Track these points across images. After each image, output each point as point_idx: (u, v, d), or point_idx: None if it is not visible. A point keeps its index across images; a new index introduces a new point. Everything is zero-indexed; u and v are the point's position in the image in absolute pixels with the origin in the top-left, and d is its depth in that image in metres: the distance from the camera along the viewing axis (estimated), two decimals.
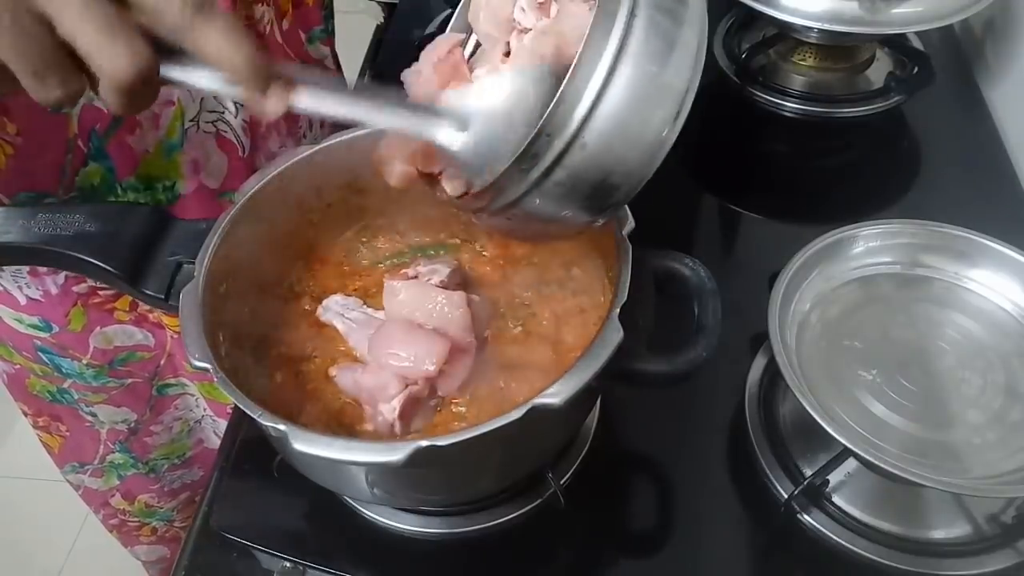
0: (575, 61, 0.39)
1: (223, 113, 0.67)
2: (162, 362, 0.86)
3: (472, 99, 0.46)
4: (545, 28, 0.47)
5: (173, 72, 0.38)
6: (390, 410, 0.51)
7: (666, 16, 0.41)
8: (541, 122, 0.39)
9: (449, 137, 0.44)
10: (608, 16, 0.39)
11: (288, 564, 0.59)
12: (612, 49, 0.39)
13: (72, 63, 0.35)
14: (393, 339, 0.53)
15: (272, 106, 0.39)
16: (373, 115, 0.43)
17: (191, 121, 0.66)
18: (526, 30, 0.48)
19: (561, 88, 0.39)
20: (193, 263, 0.53)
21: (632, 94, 0.40)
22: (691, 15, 0.42)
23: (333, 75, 0.86)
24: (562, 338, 0.57)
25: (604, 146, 0.40)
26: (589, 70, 0.39)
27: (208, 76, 0.39)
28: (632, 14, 0.39)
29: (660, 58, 0.41)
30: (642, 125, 0.41)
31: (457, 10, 0.53)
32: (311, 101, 0.41)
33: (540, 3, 0.48)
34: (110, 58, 0.34)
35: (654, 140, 0.42)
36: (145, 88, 0.36)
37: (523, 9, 0.48)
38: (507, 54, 0.49)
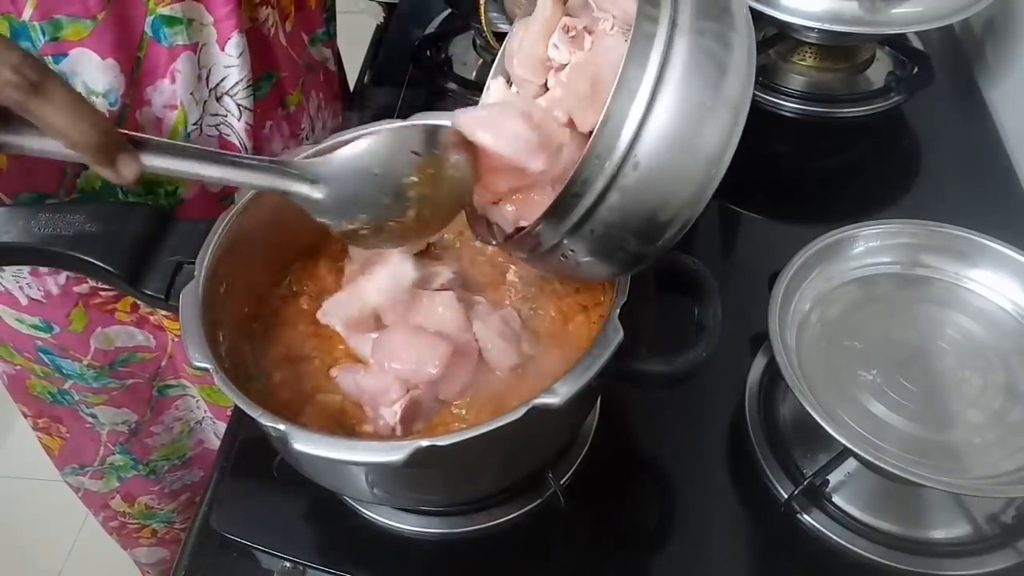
0: (618, 78, 0.38)
1: (226, 116, 0.67)
2: (163, 363, 0.86)
3: (323, 167, 0.46)
4: (580, 62, 0.47)
5: (14, 139, 0.39)
6: (391, 414, 0.51)
7: (711, 27, 0.40)
8: (589, 145, 0.38)
9: (306, 191, 0.46)
10: (646, 33, 0.38)
11: (288, 564, 0.59)
12: (656, 63, 0.38)
13: None
14: (395, 342, 0.53)
15: (124, 173, 0.40)
16: (229, 173, 0.44)
17: (194, 125, 0.66)
18: (563, 67, 0.48)
19: (606, 106, 0.38)
20: (193, 263, 0.53)
21: (683, 104, 0.39)
22: (737, 27, 0.42)
23: (334, 78, 0.86)
24: (564, 338, 0.57)
25: (657, 165, 0.39)
26: (633, 86, 0.38)
27: (55, 144, 0.40)
28: (672, 28, 0.38)
29: (709, 65, 0.40)
30: (697, 136, 0.40)
31: (496, 58, 0.53)
32: (164, 162, 0.42)
33: (572, 36, 0.48)
34: None
35: (708, 159, 0.40)
36: None
37: (556, 46, 0.48)
38: (543, 91, 0.50)
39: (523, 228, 0.46)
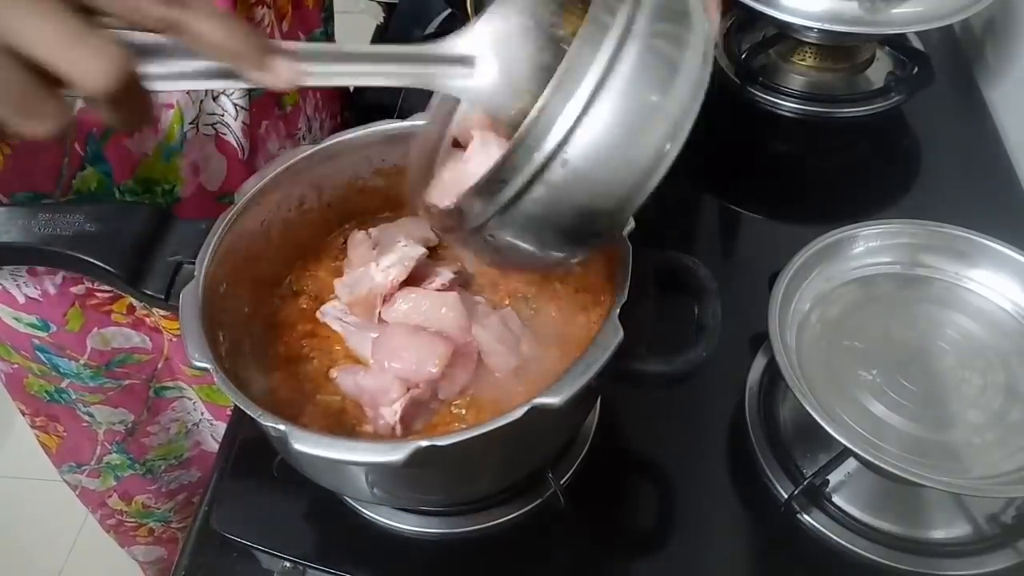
0: (561, 68, 0.37)
1: (223, 115, 0.67)
2: (159, 365, 0.86)
3: (474, 39, 0.43)
4: None
5: (160, 68, 0.36)
6: (391, 413, 0.51)
7: (666, 35, 0.38)
8: (520, 131, 0.37)
9: (461, 81, 0.43)
10: (600, 27, 0.37)
11: (288, 564, 0.59)
12: (603, 61, 0.37)
13: (52, 88, 0.33)
14: (396, 342, 0.53)
15: (284, 76, 0.37)
16: (379, 75, 0.41)
17: (190, 124, 0.65)
18: None
19: (544, 96, 0.37)
20: (193, 263, 0.53)
21: (623, 111, 0.37)
22: (694, 38, 0.40)
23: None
24: (564, 338, 0.57)
25: (588, 167, 0.38)
26: (575, 81, 0.37)
27: (202, 67, 0.36)
28: (629, 24, 0.37)
29: (655, 77, 0.38)
30: (632, 146, 0.38)
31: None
32: (320, 68, 0.39)
33: None
34: (82, 70, 0.32)
35: (645, 164, 0.39)
36: (129, 96, 0.34)
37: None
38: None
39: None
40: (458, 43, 0.43)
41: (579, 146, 0.37)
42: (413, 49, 0.42)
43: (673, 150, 0.39)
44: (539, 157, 0.37)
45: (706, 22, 0.41)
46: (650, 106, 0.38)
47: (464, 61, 0.42)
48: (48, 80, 0.33)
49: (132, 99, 0.34)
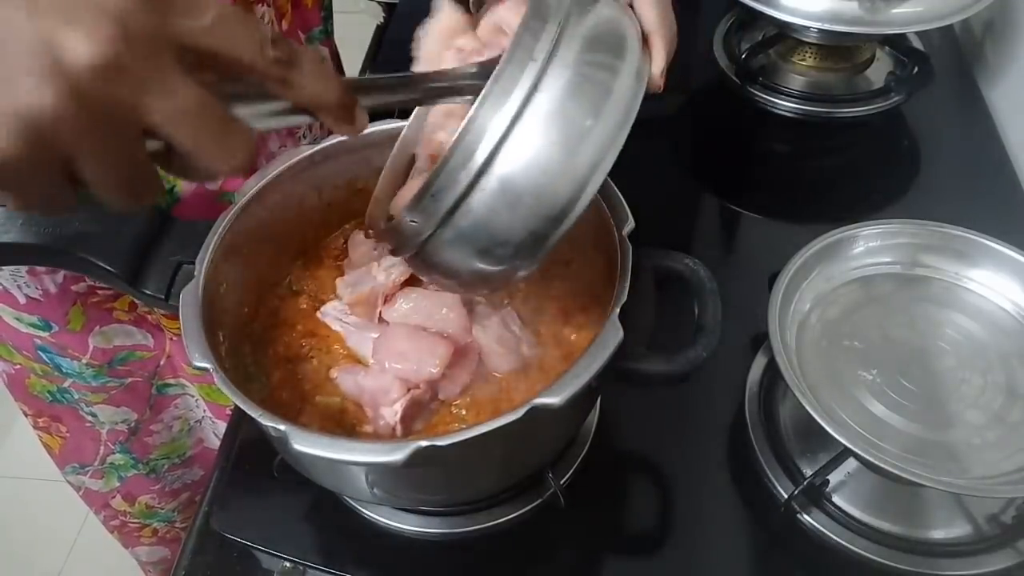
0: (489, 84, 0.37)
1: None
2: (161, 362, 0.86)
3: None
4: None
5: (267, 123, 0.36)
6: (392, 414, 0.51)
7: (596, 61, 0.39)
8: (444, 155, 0.38)
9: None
10: (526, 48, 0.38)
11: (288, 564, 0.59)
12: (527, 83, 0.37)
13: (155, 167, 0.33)
14: (396, 342, 0.53)
15: (361, 124, 0.38)
16: (419, 100, 0.44)
17: None
18: None
19: (470, 112, 0.37)
20: (193, 263, 0.53)
21: (546, 135, 0.38)
22: (625, 66, 0.40)
23: None
24: (564, 337, 0.57)
25: (519, 176, 0.38)
26: (500, 100, 0.37)
27: (279, 107, 0.36)
28: (555, 46, 0.38)
29: (583, 101, 0.39)
30: (559, 169, 0.39)
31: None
32: (375, 100, 0.40)
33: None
34: (224, 159, 0.32)
35: (576, 175, 0.40)
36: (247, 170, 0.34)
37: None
38: None
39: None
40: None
41: (508, 158, 0.38)
42: (454, 71, 0.45)
43: (603, 166, 0.40)
44: (471, 168, 0.38)
45: (639, 54, 0.42)
46: (581, 125, 0.39)
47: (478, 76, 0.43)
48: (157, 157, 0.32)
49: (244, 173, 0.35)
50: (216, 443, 0.97)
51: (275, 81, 0.34)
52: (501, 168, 0.38)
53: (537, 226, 0.40)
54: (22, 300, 0.73)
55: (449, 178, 0.39)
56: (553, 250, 0.42)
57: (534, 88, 0.38)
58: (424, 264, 0.44)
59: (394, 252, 0.45)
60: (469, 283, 0.45)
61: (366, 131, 0.57)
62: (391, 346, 0.53)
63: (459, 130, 0.38)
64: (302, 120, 0.37)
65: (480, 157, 0.38)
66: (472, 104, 0.38)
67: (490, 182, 0.39)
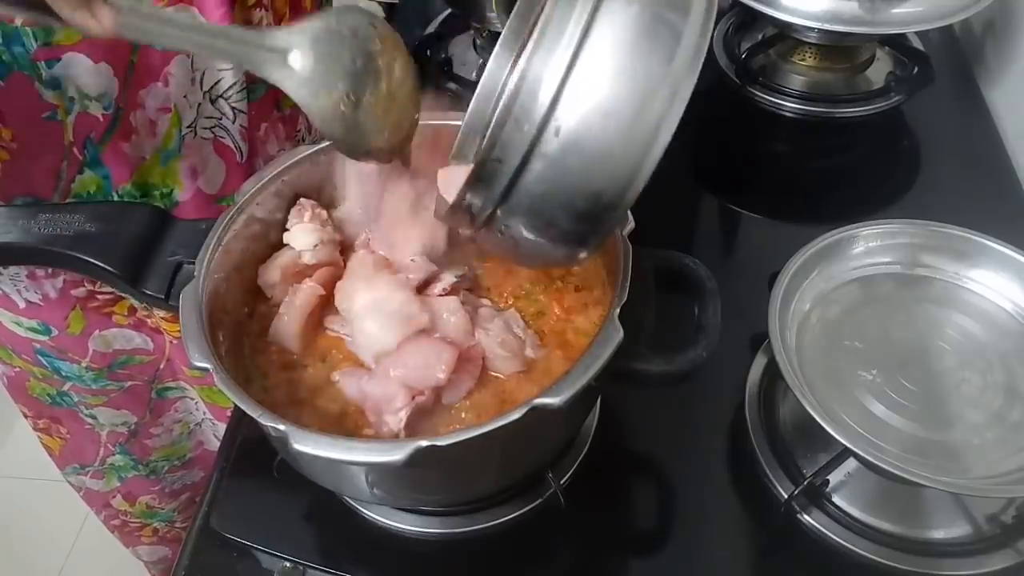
0: (540, 25, 0.34)
1: (220, 119, 0.67)
2: (161, 366, 0.86)
3: (292, 34, 0.44)
4: None
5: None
6: (396, 421, 0.50)
7: None
8: (503, 104, 0.35)
9: (280, 61, 0.43)
10: None
11: (288, 564, 0.59)
12: (583, 19, 0.34)
13: None
14: (400, 348, 0.53)
15: (101, 21, 0.37)
16: (197, 45, 0.42)
17: (188, 127, 0.65)
18: None
19: (522, 62, 0.35)
20: (193, 263, 0.53)
21: (610, 72, 0.35)
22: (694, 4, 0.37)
23: None
24: (567, 337, 0.57)
25: (583, 134, 0.35)
26: (554, 44, 0.34)
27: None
28: None
29: (642, 32, 0.35)
30: (626, 112, 0.36)
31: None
32: (138, 19, 0.38)
33: None
34: None
35: (643, 132, 0.36)
36: None
37: None
38: None
39: None
40: (278, 35, 0.43)
41: (569, 110, 0.35)
42: (236, 31, 0.43)
43: (678, 108, 0.37)
44: (529, 128, 0.35)
45: None
46: (645, 60, 0.36)
47: (279, 51, 0.43)
48: None
49: None
50: (216, 445, 0.97)
51: None
52: (564, 121, 0.35)
53: (605, 189, 0.37)
54: (22, 304, 0.73)
55: (506, 143, 0.36)
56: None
57: (588, 27, 0.34)
58: (494, 241, 0.42)
59: (468, 228, 0.43)
60: (537, 257, 0.43)
61: None
62: (396, 353, 0.53)
63: (510, 87, 0.35)
64: (36, 19, 0.37)
65: (539, 112, 0.35)
66: (522, 51, 0.35)
67: (550, 143, 0.36)
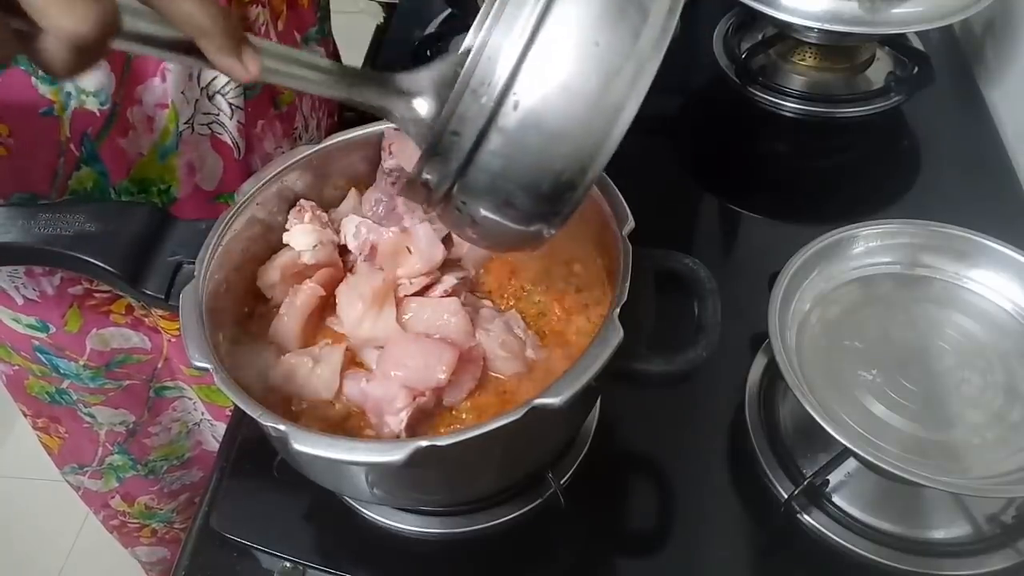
0: (498, 3, 0.34)
1: (218, 115, 0.67)
2: (159, 365, 0.86)
3: (415, 78, 0.42)
4: None
5: (137, 26, 0.33)
6: (397, 422, 0.50)
7: None
8: (462, 74, 0.35)
9: (407, 108, 0.41)
10: None
11: (288, 564, 0.59)
12: None
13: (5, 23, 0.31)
14: (401, 349, 0.53)
15: (250, 66, 0.36)
16: (332, 88, 0.40)
17: (185, 123, 0.65)
18: None
19: (480, 35, 0.34)
20: (193, 263, 0.53)
21: (573, 45, 0.34)
22: None
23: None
24: (567, 337, 0.57)
25: (542, 108, 0.35)
26: (515, 14, 0.34)
27: (170, 37, 0.34)
28: None
29: (610, 10, 0.35)
30: (587, 87, 0.35)
31: None
32: (277, 63, 0.37)
33: None
34: (72, 16, 0.30)
35: (606, 108, 0.36)
36: (101, 47, 0.32)
37: None
38: None
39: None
40: (404, 79, 0.42)
41: (528, 84, 0.34)
42: (369, 73, 0.42)
43: (637, 93, 0.36)
44: (487, 101, 0.35)
45: None
46: (605, 38, 0.35)
47: (407, 94, 0.41)
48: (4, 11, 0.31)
49: (99, 51, 0.32)
50: (215, 446, 0.97)
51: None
52: (523, 96, 0.35)
53: (565, 168, 0.37)
54: (20, 301, 0.73)
55: (463, 116, 0.35)
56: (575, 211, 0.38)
57: (551, 0, 0.34)
58: (451, 218, 0.41)
59: (426, 203, 0.42)
60: (496, 236, 0.42)
61: (366, 131, 0.58)
62: (396, 354, 0.53)
63: (468, 58, 0.34)
64: (184, 61, 0.35)
65: (497, 84, 0.34)
66: (481, 24, 0.34)
67: (509, 117, 0.35)
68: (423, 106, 0.40)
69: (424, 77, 0.41)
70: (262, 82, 0.38)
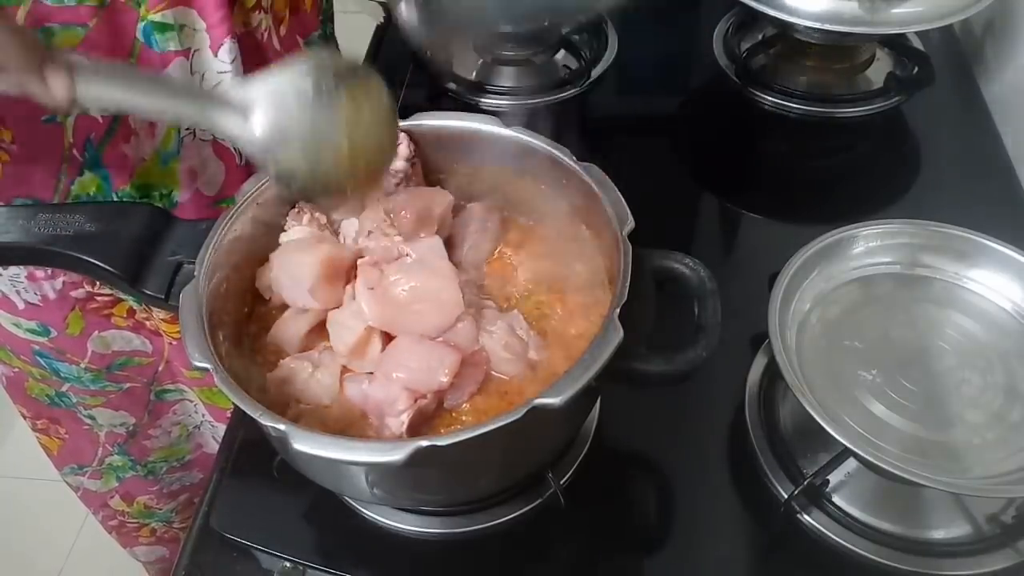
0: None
1: None
2: (160, 368, 0.86)
3: (253, 90, 0.45)
4: None
5: None
6: (398, 424, 0.50)
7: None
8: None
9: (240, 123, 0.44)
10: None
11: (288, 564, 0.59)
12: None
13: None
14: (403, 352, 0.53)
15: (55, 92, 0.37)
16: (158, 104, 0.42)
17: (187, 130, 0.65)
18: None
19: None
20: (193, 263, 0.53)
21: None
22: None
23: None
24: (568, 338, 0.57)
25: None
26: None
27: None
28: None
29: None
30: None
31: None
32: (99, 89, 0.39)
33: None
34: None
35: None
36: None
37: None
38: None
39: None
40: (237, 92, 0.44)
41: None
42: (195, 88, 0.44)
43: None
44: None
45: None
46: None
47: (240, 110, 0.43)
48: None
49: None
50: (216, 448, 0.97)
51: None
52: None
53: None
54: (21, 306, 0.73)
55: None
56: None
57: None
58: None
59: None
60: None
61: None
62: (398, 356, 0.53)
63: None
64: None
65: None
66: None
67: None
68: (254, 120, 0.45)
69: (254, 89, 0.44)
70: (83, 110, 0.39)
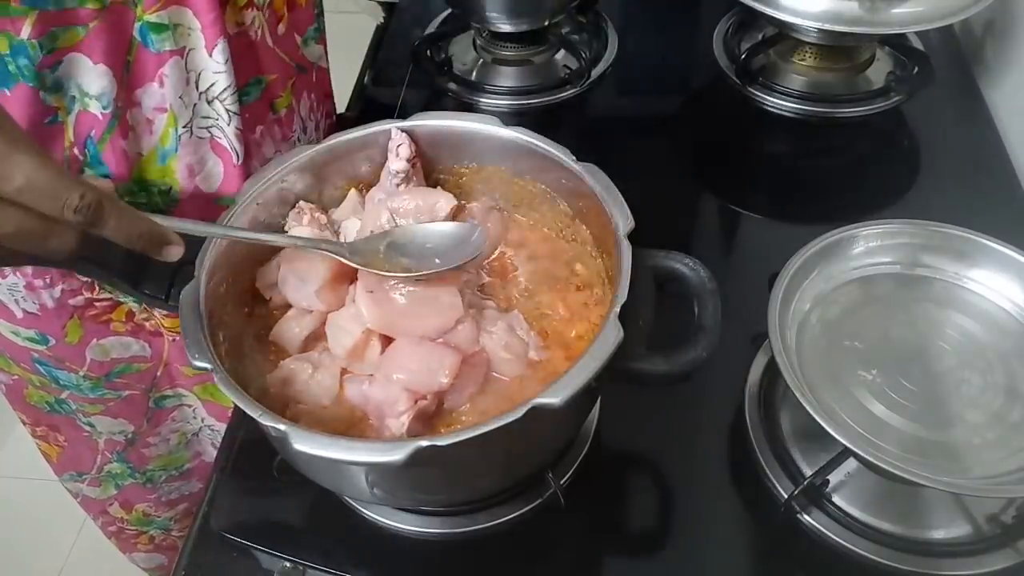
0: None
1: (216, 120, 0.67)
2: (159, 373, 0.86)
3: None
4: None
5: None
6: (399, 425, 0.50)
7: None
8: None
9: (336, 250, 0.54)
10: None
11: (288, 564, 0.59)
12: None
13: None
14: (403, 353, 0.53)
15: (171, 258, 0.49)
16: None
17: (184, 127, 0.66)
18: None
19: None
20: (193, 263, 0.53)
21: None
22: None
23: (326, 76, 0.85)
24: (568, 338, 0.57)
25: None
26: None
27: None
28: None
29: None
30: None
31: None
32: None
33: None
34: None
35: None
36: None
37: None
38: None
39: None
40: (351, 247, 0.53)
41: None
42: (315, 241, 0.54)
43: None
44: None
45: None
46: None
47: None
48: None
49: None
50: (214, 456, 0.97)
51: (85, 226, 0.43)
52: None
53: None
54: (19, 315, 0.73)
55: None
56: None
57: None
58: None
59: None
60: None
61: (366, 131, 0.58)
62: (399, 357, 0.53)
63: None
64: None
65: None
66: None
67: None
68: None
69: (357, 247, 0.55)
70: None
